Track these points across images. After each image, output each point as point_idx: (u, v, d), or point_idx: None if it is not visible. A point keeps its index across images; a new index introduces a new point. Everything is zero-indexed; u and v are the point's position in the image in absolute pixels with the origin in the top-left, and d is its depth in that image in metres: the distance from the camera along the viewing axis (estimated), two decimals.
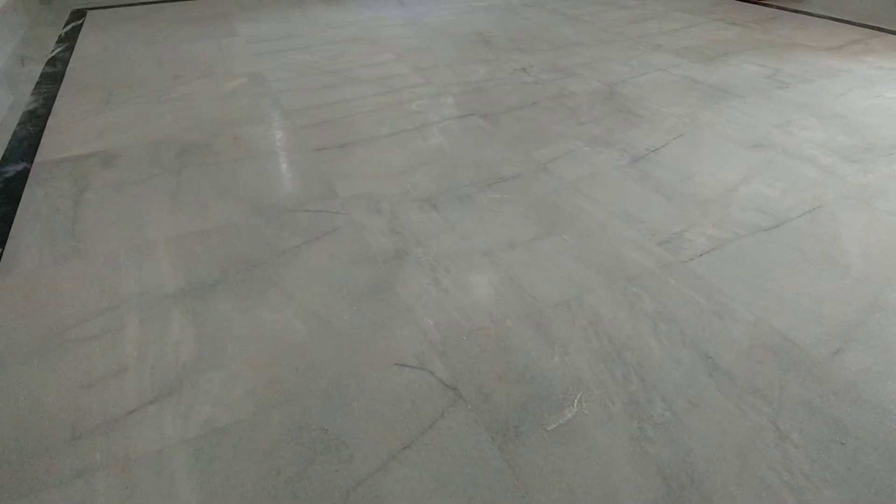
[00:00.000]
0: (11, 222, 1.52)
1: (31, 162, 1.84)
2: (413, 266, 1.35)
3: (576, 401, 1.01)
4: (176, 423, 0.96)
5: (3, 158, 1.86)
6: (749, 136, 2.01)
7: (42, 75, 2.63)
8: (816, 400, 1.01)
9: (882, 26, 3.29)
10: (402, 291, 1.27)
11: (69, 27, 3.43)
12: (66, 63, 2.80)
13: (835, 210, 1.56)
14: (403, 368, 1.07)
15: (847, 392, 1.02)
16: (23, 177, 1.75)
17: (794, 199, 1.61)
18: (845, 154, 1.86)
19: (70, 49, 3.01)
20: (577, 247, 1.42)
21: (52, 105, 2.28)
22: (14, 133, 2.04)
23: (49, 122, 2.12)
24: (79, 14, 3.73)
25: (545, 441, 0.94)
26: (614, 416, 0.98)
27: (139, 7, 3.91)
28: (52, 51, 2.99)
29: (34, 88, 2.47)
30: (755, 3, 4.02)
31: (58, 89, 2.45)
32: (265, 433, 0.95)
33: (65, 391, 1.02)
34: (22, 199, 1.63)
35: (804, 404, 1.00)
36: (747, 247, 1.42)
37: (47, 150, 1.91)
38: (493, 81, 2.54)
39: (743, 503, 0.85)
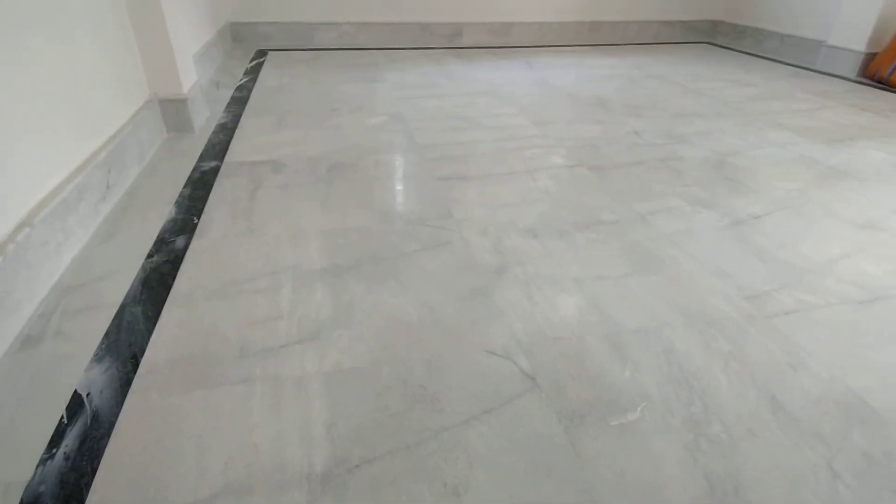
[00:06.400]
0: (205, 202, 1.97)
1: (222, 161, 2.33)
2: (511, 280, 1.57)
3: (639, 409, 1.14)
4: (314, 360, 1.23)
5: (202, 156, 2.38)
6: (862, 217, 2.01)
7: (231, 98, 3.26)
8: (878, 454, 1.05)
9: None
10: (499, 299, 1.48)
11: (254, 63, 4.19)
12: (249, 91, 3.44)
13: None
14: (492, 356, 1.27)
15: None
16: (215, 171, 2.23)
17: None
18: None
19: (253, 80, 3.69)
20: (663, 288, 1.55)
21: (237, 122, 2.85)
22: (209, 139, 2.59)
23: (235, 134, 2.66)
24: (262, 53, 4.53)
25: (606, 433, 1.08)
26: (672, 428, 1.10)
27: (309, 52, 4.65)
28: (240, 80, 3.68)
29: (225, 108, 3.08)
30: None
31: (242, 110, 3.04)
32: (378, 380, 1.19)
33: (236, 324, 1.34)
34: (213, 187, 2.09)
35: (864, 455, 1.05)
36: (837, 314, 1.46)
37: (233, 154, 2.41)
38: (605, 140, 2.74)
39: None
